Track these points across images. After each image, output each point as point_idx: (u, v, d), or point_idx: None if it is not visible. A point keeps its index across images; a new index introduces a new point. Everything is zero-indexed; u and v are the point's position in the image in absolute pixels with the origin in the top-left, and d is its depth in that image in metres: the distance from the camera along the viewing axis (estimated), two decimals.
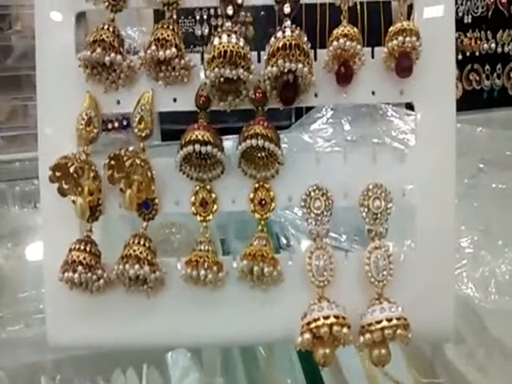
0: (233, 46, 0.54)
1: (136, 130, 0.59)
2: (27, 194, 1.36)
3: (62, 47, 0.60)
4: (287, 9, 0.57)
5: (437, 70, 0.58)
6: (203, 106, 0.59)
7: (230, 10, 0.57)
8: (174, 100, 0.60)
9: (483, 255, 0.70)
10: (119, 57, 0.57)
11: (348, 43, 0.55)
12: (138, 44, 1.70)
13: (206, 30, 1.73)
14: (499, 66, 1.87)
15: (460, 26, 1.48)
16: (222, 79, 0.54)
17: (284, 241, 1.05)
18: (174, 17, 0.58)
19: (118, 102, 0.60)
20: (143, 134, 0.59)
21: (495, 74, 1.91)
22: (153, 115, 0.60)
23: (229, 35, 0.55)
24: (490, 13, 1.87)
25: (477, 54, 1.87)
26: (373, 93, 0.58)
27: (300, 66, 0.53)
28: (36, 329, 0.90)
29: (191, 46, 1.77)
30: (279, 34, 0.55)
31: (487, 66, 1.83)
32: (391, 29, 0.56)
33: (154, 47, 0.56)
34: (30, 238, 1.12)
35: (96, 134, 0.59)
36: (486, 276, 0.69)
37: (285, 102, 0.56)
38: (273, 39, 0.55)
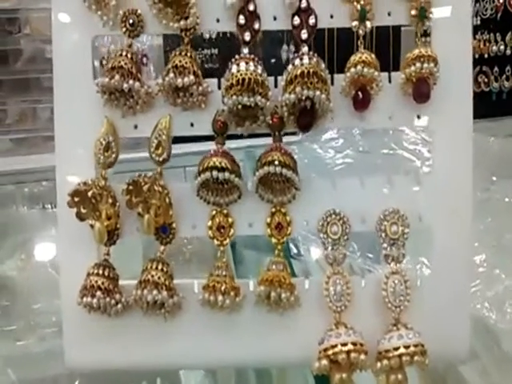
0: (251, 74, 0.54)
1: (154, 155, 0.59)
2: (36, 195, 1.37)
3: (79, 72, 0.60)
4: (304, 35, 0.57)
5: (454, 94, 0.58)
6: (220, 131, 0.59)
7: (247, 36, 0.57)
8: (192, 125, 0.60)
9: (497, 274, 0.70)
10: (137, 83, 0.57)
11: (366, 70, 0.55)
12: (146, 47, 1.71)
13: (214, 34, 1.73)
14: (508, 67, 1.87)
15: None
16: (239, 106, 0.55)
17: (294, 250, 1.05)
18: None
19: (136, 127, 0.60)
20: (160, 159, 0.59)
21: (504, 76, 1.91)
22: (170, 140, 0.60)
23: (247, 63, 0.55)
24: (499, 15, 1.86)
25: (486, 56, 1.86)
26: (390, 117, 0.58)
27: (318, 93, 0.54)
28: (50, 342, 0.91)
29: (199, 49, 1.77)
30: (297, 62, 0.55)
31: (496, 68, 1.82)
32: (408, 55, 0.56)
33: (172, 74, 0.56)
34: (42, 245, 1.13)
35: (114, 159, 0.60)
36: (500, 295, 0.69)
37: (302, 128, 0.57)
38: (290, 66, 0.55)
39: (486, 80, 1.82)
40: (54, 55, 0.61)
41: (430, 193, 0.59)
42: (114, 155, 0.60)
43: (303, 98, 0.54)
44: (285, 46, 1.69)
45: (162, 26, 0.59)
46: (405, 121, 0.59)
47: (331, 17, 0.58)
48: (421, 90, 0.55)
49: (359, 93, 0.56)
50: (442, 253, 0.59)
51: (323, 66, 0.56)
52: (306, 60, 0.54)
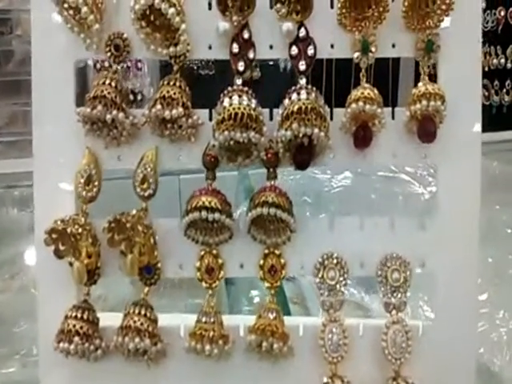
0: (244, 108, 0.50)
1: (138, 190, 0.55)
2: (25, 198, 1.33)
3: (60, 98, 0.56)
4: (302, 66, 0.53)
5: (462, 133, 0.54)
6: (211, 166, 0.55)
7: (241, 66, 0.53)
8: (180, 158, 0.56)
9: (501, 315, 0.67)
10: (121, 114, 0.53)
11: (368, 106, 0.51)
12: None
13: None
14: (508, 81, 1.83)
15: None
16: (231, 142, 0.51)
17: None
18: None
19: (119, 158, 0.56)
20: (146, 194, 0.55)
21: (504, 90, 1.87)
22: (156, 174, 0.56)
23: (240, 96, 0.51)
24: (500, 28, 1.83)
25: (486, 69, 1.83)
26: (393, 156, 0.54)
27: (316, 130, 0.50)
28: (32, 370, 0.87)
29: None
30: (294, 96, 0.51)
31: (496, 82, 1.79)
32: (414, 91, 0.52)
33: (159, 106, 0.52)
34: (28, 260, 1.08)
35: (96, 193, 0.56)
36: (504, 338, 0.65)
37: (299, 165, 0.53)
38: (287, 101, 0.51)
39: (486, 93, 1.79)
40: (34, 79, 0.57)
41: (435, 236, 0.55)
42: (95, 189, 0.56)
43: (300, 135, 0.50)
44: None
45: (149, 52, 0.55)
46: (409, 159, 0.55)
47: (332, 47, 0.54)
48: (427, 130, 0.52)
49: (361, 130, 0.52)
50: (446, 300, 0.56)
51: (322, 100, 0.52)
52: (303, 95, 0.50)
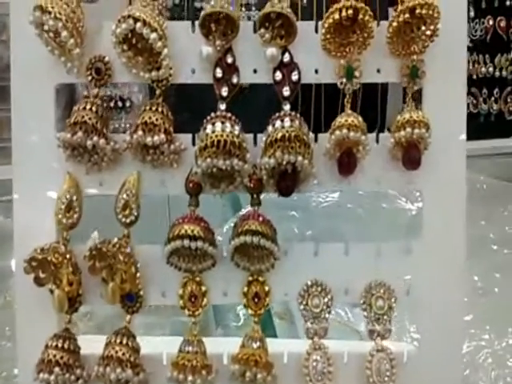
0: (227, 135, 0.49)
1: (120, 216, 0.54)
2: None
3: (40, 122, 0.55)
4: (286, 92, 0.52)
5: (447, 158, 0.53)
6: (194, 192, 0.54)
7: (224, 92, 0.53)
8: (162, 183, 0.55)
9: (486, 337, 0.66)
10: (102, 140, 0.52)
11: (352, 134, 0.50)
12: None
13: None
14: (497, 90, 1.84)
15: None
16: (214, 169, 0.50)
17: None
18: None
19: (101, 184, 0.55)
20: (128, 221, 0.54)
21: (492, 98, 1.88)
22: (138, 199, 0.55)
23: (223, 122, 0.50)
24: (488, 36, 1.84)
25: (474, 77, 1.84)
26: (377, 182, 0.54)
27: (300, 158, 0.49)
28: None
29: None
30: (278, 124, 0.50)
31: (484, 90, 1.80)
32: (399, 118, 0.52)
33: (140, 132, 0.51)
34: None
35: (77, 220, 0.55)
36: (490, 360, 0.65)
37: (282, 192, 0.52)
38: (271, 128, 0.51)
39: (474, 102, 1.80)
40: (13, 102, 0.56)
41: (420, 260, 0.54)
42: (76, 215, 0.55)
43: (284, 162, 0.49)
44: None
45: (131, 75, 0.54)
46: (394, 185, 0.54)
47: (316, 72, 0.54)
48: (411, 157, 0.51)
49: (345, 156, 0.52)
50: (432, 322, 0.55)
51: (306, 127, 0.51)
52: (287, 123, 0.50)
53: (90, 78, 0.54)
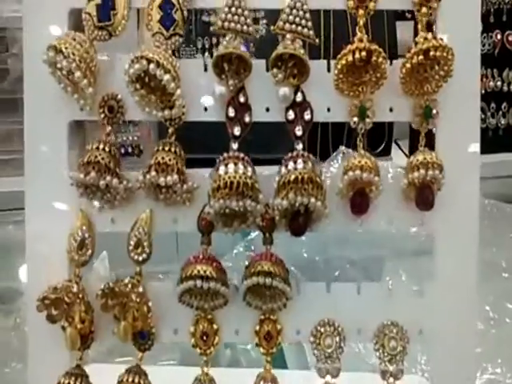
0: (240, 177, 0.49)
1: (132, 254, 0.55)
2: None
3: (53, 159, 0.55)
4: (299, 132, 0.52)
5: (460, 200, 0.53)
6: (206, 230, 0.54)
7: (237, 131, 0.53)
8: (175, 221, 0.55)
9: (498, 371, 0.66)
10: (115, 180, 0.52)
11: (365, 175, 0.50)
12: None
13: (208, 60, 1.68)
14: (505, 104, 1.84)
15: None
16: (227, 210, 0.50)
17: None
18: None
19: (113, 221, 0.56)
20: (140, 259, 0.54)
21: (501, 113, 1.88)
22: (151, 237, 0.55)
23: (236, 163, 0.50)
24: (496, 51, 1.84)
25: (482, 91, 1.83)
26: (390, 221, 0.54)
27: (313, 200, 0.49)
28: None
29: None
30: (290, 165, 0.50)
31: (493, 104, 1.79)
32: (412, 159, 0.51)
33: (154, 173, 0.51)
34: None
35: (89, 257, 0.55)
36: None
37: (295, 232, 0.52)
38: (283, 169, 0.51)
39: (482, 116, 1.79)
40: (26, 140, 0.56)
41: (433, 302, 0.54)
42: (88, 252, 0.55)
43: (297, 204, 0.49)
44: None
45: (144, 113, 0.54)
46: (406, 226, 0.54)
47: (328, 110, 0.54)
48: (425, 198, 0.51)
49: (357, 197, 0.52)
50: (443, 357, 0.55)
51: (319, 168, 0.51)
52: (300, 164, 0.49)
53: (102, 115, 0.55)
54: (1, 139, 1.71)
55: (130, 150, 1.23)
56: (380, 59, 0.49)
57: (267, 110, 0.54)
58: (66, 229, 0.55)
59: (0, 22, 1.68)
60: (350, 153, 0.88)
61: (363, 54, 0.49)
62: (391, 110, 0.54)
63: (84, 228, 0.55)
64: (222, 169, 0.50)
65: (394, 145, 1.25)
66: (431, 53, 0.49)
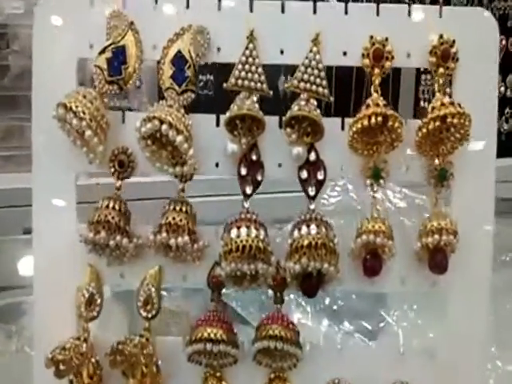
0: (252, 241, 0.49)
1: (142, 311, 0.54)
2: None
3: (61, 212, 0.55)
4: (312, 192, 0.52)
5: (473, 261, 0.53)
6: (216, 288, 0.54)
7: (249, 190, 0.52)
8: (184, 277, 0.55)
9: None
10: (125, 240, 0.51)
11: (378, 240, 0.50)
12: None
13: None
14: (508, 109, 1.83)
15: None
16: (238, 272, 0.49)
17: None
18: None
19: (122, 276, 0.55)
20: (149, 316, 0.54)
21: (503, 118, 1.87)
22: (160, 293, 0.54)
23: (248, 226, 0.49)
24: (500, 56, 1.82)
25: None
26: (402, 282, 0.53)
27: (326, 265, 0.48)
28: None
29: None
30: (304, 230, 0.49)
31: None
32: (426, 222, 0.51)
33: (164, 234, 0.50)
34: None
35: (97, 312, 0.54)
36: None
37: (306, 293, 0.51)
38: (296, 233, 0.50)
39: None
40: (34, 194, 0.55)
41: (444, 365, 0.54)
42: (97, 308, 0.54)
43: (309, 269, 0.49)
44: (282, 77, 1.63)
45: (155, 168, 0.54)
46: (418, 286, 0.54)
47: (341, 169, 0.53)
48: (438, 263, 0.50)
49: (370, 260, 0.51)
50: None
51: (332, 232, 0.50)
52: (313, 230, 0.49)
53: (112, 170, 0.54)
54: (1, 136, 1.70)
55: None
56: (396, 124, 0.49)
57: (279, 165, 0.54)
58: (74, 283, 0.55)
59: (1, 18, 1.66)
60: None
61: (379, 119, 0.48)
62: (407, 169, 0.53)
63: (92, 284, 0.54)
64: (233, 232, 0.49)
65: None
66: (448, 119, 0.48)
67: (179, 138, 0.49)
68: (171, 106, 0.51)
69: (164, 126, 0.49)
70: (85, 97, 0.50)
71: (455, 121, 0.48)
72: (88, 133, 0.50)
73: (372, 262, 0.51)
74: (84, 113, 0.49)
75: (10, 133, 1.74)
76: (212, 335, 0.50)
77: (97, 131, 0.50)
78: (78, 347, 0.52)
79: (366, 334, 0.61)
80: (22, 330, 1.04)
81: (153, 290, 0.54)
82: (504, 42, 1.86)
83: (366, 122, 0.49)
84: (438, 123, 0.48)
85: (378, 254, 0.51)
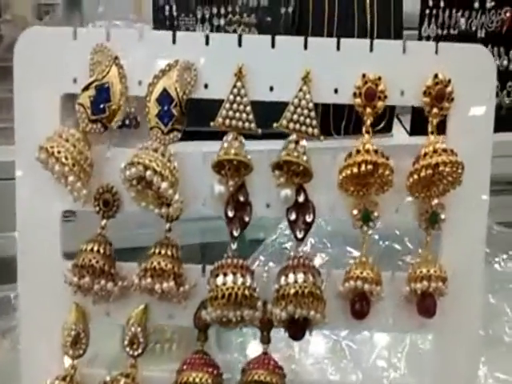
0: (238, 288, 0.48)
1: (128, 349, 0.54)
2: None
3: (45, 250, 0.54)
4: (300, 234, 0.51)
5: (463, 306, 0.52)
6: (203, 327, 0.53)
7: (235, 232, 0.51)
8: (170, 316, 0.54)
9: None
10: (110, 283, 0.50)
11: (367, 286, 0.49)
12: None
13: (208, 30, 1.61)
14: (510, 83, 1.80)
15: (472, 40, 1.40)
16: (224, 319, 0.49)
17: None
18: None
19: (108, 314, 0.54)
20: (135, 354, 0.54)
21: (505, 92, 1.84)
22: (146, 331, 0.54)
23: (234, 273, 0.49)
24: (504, 29, 1.78)
25: None
26: (391, 323, 0.53)
27: (312, 313, 0.48)
28: None
29: None
30: (291, 278, 0.48)
31: (497, 83, 1.75)
32: (416, 268, 0.50)
33: (149, 279, 0.50)
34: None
35: (84, 350, 0.54)
36: None
37: (293, 338, 0.51)
38: (283, 280, 0.49)
39: None
40: (19, 233, 0.54)
41: None
42: (83, 346, 0.54)
43: (296, 316, 0.48)
44: None
45: (140, 205, 0.52)
46: (407, 327, 0.53)
47: (331, 210, 0.52)
48: (426, 307, 0.50)
49: (358, 303, 0.50)
50: None
51: (320, 279, 0.50)
52: (300, 278, 0.48)
53: (97, 209, 0.53)
54: None
55: (127, 122, 1.19)
56: (386, 172, 0.47)
57: (268, 206, 0.53)
58: (60, 322, 0.54)
59: None
60: None
61: (369, 167, 0.47)
62: (396, 211, 0.52)
63: (78, 323, 0.53)
64: (219, 279, 0.49)
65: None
66: (440, 168, 0.47)
67: (164, 185, 0.48)
68: (156, 149, 0.49)
69: (148, 172, 0.47)
70: (67, 140, 0.49)
71: (447, 169, 0.47)
72: (71, 178, 0.49)
73: (359, 305, 0.51)
74: (66, 158, 0.48)
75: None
76: (197, 380, 0.50)
77: (80, 176, 0.49)
78: None
79: None
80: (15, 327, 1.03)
81: (138, 329, 0.53)
82: (508, 14, 1.81)
83: (355, 170, 0.47)
84: (429, 171, 0.47)
85: (366, 297, 0.51)
